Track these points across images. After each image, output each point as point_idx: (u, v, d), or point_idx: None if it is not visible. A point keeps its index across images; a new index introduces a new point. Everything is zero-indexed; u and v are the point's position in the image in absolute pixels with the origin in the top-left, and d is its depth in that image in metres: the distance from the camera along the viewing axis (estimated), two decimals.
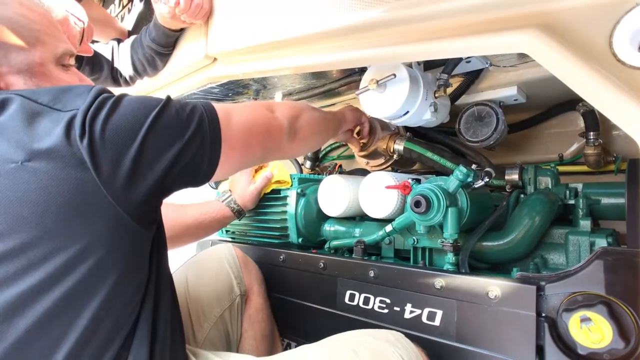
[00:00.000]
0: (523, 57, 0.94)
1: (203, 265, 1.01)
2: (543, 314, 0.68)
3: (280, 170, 1.18)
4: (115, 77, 1.24)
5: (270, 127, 0.74)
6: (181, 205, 1.06)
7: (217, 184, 1.36)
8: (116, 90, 0.83)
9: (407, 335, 0.76)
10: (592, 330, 0.61)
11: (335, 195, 1.09)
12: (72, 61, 0.69)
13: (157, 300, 0.62)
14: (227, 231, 1.38)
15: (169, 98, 0.60)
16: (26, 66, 0.61)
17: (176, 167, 0.57)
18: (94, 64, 1.20)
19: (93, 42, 1.20)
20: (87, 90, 0.54)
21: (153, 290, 0.61)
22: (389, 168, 1.25)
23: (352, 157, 1.56)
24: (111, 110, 0.53)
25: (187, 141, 0.58)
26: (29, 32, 0.61)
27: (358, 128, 1.13)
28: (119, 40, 1.24)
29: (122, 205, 0.52)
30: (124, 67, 1.21)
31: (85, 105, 0.52)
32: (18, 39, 0.60)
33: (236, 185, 1.15)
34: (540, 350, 0.66)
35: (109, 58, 1.22)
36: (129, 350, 0.57)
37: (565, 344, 0.65)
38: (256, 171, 1.19)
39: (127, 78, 1.23)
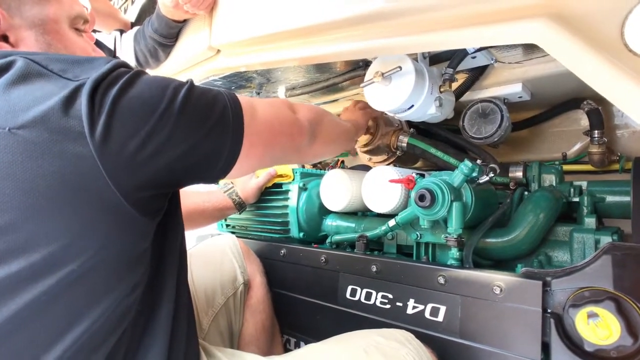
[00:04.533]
0: (528, 54, 0.93)
1: (207, 253, 1.00)
2: (549, 310, 0.66)
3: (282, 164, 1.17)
4: None
5: (293, 128, 0.69)
6: (183, 191, 1.05)
7: None
8: None
9: (410, 331, 0.75)
10: (599, 326, 0.60)
11: (338, 189, 1.08)
12: (86, 28, 0.66)
13: (175, 298, 0.59)
14: (227, 225, 1.37)
15: (191, 83, 0.54)
16: (40, 21, 0.59)
17: (187, 161, 0.51)
18: None
19: (95, 31, 1.19)
20: (106, 62, 0.49)
21: (170, 285, 0.58)
22: (392, 164, 1.25)
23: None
24: (127, 85, 0.47)
25: (206, 133, 0.52)
26: None
27: None
28: (122, 31, 1.23)
29: (120, 189, 0.46)
30: (127, 57, 1.20)
31: (99, 74, 0.46)
32: None
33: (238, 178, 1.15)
34: (546, 347, 0.65)
35: (112, 48, 1.21)
36: (137, 350, 0.54)
37: (571, 340, 0.64)
38: None
39: None
